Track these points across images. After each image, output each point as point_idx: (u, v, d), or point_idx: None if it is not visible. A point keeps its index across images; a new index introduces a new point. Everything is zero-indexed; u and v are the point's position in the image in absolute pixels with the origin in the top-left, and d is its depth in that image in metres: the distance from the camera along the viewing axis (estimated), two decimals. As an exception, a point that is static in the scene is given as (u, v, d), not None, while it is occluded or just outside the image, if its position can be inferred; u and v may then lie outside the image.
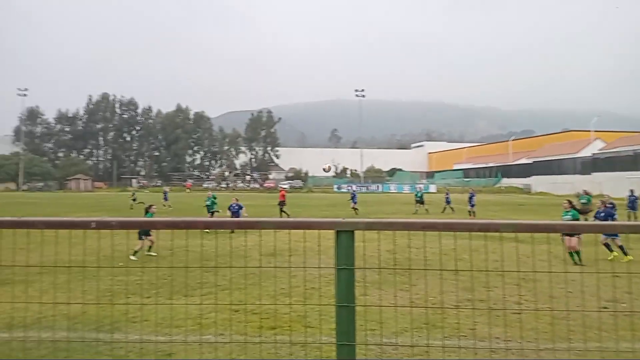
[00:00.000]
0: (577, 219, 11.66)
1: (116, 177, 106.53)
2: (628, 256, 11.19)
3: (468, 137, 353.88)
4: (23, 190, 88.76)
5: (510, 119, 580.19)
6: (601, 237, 11.22)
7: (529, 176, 78.99)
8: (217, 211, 20.77)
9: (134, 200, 35.23)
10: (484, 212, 29.62)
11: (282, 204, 25.71)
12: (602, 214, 12.57)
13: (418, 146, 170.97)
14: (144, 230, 11.47)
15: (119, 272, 9.13)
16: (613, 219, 12.38)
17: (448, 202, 30.25)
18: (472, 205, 26.56)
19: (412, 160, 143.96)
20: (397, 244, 12.58)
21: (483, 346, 5.11)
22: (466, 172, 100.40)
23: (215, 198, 21.28)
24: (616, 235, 10.92)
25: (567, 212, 12.09)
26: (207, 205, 20.72)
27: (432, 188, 69.65)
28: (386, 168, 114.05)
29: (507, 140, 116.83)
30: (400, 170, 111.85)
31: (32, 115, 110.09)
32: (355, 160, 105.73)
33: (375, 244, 10.97)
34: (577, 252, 11.06)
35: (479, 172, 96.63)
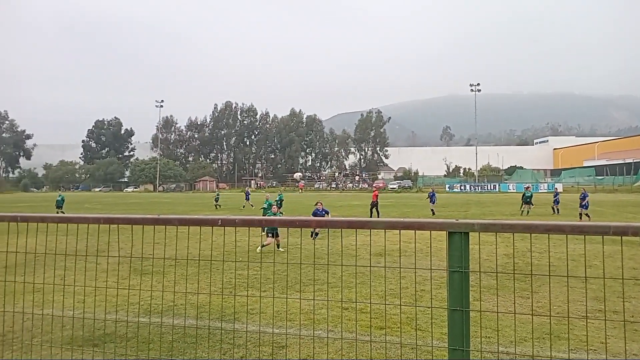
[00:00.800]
0: None
1: (237, 178, 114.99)
2: None
3: (601, 130, 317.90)
4: (159, 191, 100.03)
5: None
6: None
7: (677, 173, 68.41)
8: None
9: (216, 201, 36.99)
10: (619, 215, 26.31)
11: (374, 204, 25.37)
12: None
13: (541, 142, 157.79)
14: (271, 228, 11.81)
15: (240, 267, 9.84)
16: None
17: (556, 202, 27.76)
18: (585, 207, 23.21)
19: (534, 157, 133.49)
20: (516, 247, 11.82)
21: (618, 363, 4.57)
22: (599, 170, 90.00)
23: (269, 200, 19.07)
24: None
25: None
26: (263, 208, 18.31)
27: (560, 187, 63.45)
28: (504, 166, 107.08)
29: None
30: (520, 168, 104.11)
31: (167, 124, 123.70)
32: (470, 158, 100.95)
33: (492, 247, 10.45)
34: None
35: (614, 169, 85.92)
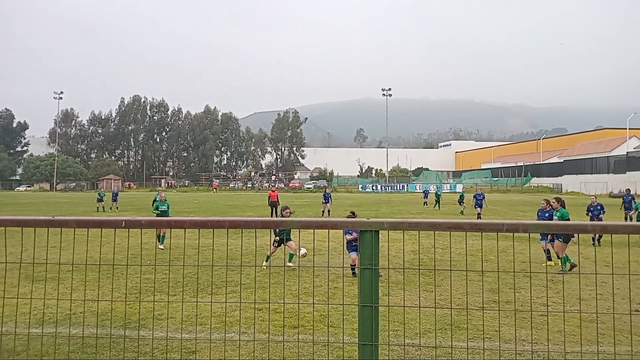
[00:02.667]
0: (568, 219, 10.44)
1: (146, 177, 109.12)
2: (550, 262, 10.69)
3: (497, 135, 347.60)
4: (57, 190, 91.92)
5: (541, 117, 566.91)
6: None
7: (560, 175, 77.02)
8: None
9: (100, 200, 32.23)
10: (511, 213, 29.03)
11: (273, 204, 24.42)
12: (547, 214, 11.45)
13: (445, 145, 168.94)
14: (281, 231, 10.03)
15: (146, 270, 9.35)
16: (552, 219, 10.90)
17: (438, 201, 33.05)
18: (479, 206, 25.14)
19: (438, 159, 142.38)
20: (422, 244, 12.47)
21: (508, 348, 5.01)
22: (494, 172, 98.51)
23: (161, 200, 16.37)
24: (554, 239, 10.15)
25: (556, 211, 10.96)
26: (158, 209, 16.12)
27: (459, 188, 68.65)
28: (412, 167, 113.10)
29: (538, 139, 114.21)
30: (426, 169, 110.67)
31: (67, 117, 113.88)
32: (381, 159, 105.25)
33: (400, 244, 10.92)
34: (566, 258, 9.92)
35: (507, 172, 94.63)
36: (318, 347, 5.04)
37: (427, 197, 37.10)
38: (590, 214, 14.69)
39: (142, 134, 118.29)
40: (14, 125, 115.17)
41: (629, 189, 22.17)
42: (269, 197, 25.34)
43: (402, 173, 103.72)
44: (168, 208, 14.82)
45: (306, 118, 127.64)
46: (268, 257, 10.23)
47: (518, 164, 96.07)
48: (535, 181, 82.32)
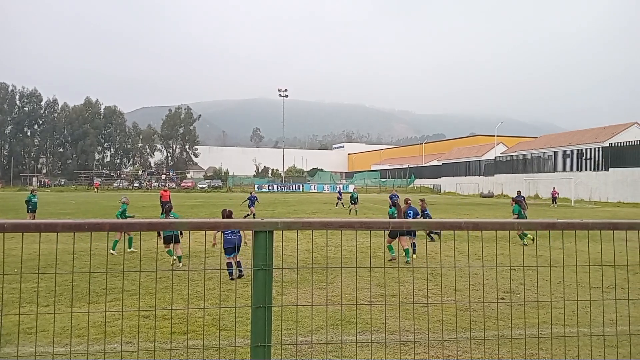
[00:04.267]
0: (394, 216, 12.53)
1: (14, 174, 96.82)
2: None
3: (386, 139, 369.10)
4: None
5: (424, 123, 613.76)
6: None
7: (439, 177, 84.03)
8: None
9: None
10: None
11: (164, 204, 24.03)
12: (410, 213, 12.91)
13: (339, 147, 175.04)
14: (169, 233, 9.70)
15: (12, 279, 8.31)
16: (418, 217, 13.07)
17: (339, 199, 34.80)
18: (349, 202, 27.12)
19: (332, 160, 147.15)
20: (316, 243, 12.77)
21: (393, 339, 5.32)
22: (383, 173, 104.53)
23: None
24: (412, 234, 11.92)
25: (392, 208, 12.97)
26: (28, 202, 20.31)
27: (351, 188, 71.72)
28: (307, 168, 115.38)
29: (420, 144, 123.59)
30: (321, 170, 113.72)
31: None
32: (277, 159, 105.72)
33: (294, 243, 11.02)
34: (408, 250, 11.51)
35: (394, 173, 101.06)
36: (210, 352, 4.88)
37: (341, 198, 36.52)
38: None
39: (9, 127, 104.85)
40: None
41: (519, 191, 24.87)
42: (161, 196, 24.21)
43: (298, 173, 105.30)
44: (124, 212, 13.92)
45: (200, 115, 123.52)
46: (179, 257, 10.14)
47: (403, 166, 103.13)
48: (418, 182, 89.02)
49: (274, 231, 2.59)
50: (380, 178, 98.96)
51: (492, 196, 61.70)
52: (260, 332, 2.57)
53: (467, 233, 2.79)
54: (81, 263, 9.96)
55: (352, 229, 2.84)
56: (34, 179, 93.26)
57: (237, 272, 8.52)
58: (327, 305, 5.44)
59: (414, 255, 11.92)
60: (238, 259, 8.54)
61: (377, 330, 5.72)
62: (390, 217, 13.21)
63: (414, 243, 12.17)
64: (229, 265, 8.54)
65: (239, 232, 8.36)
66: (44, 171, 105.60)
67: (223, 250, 8.32)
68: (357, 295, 7.54)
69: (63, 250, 11.01)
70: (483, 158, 78.59)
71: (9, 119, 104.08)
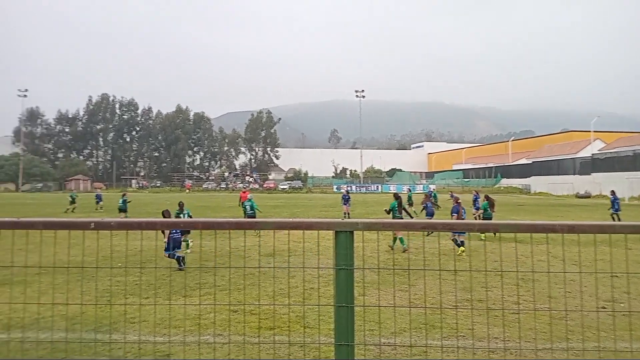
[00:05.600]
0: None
1: (116, 177, 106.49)
2: (462, 248, 12.07)
3: (468, 137, 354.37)
4: (22, 191, 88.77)
5: (509, 120, 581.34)
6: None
7: (528, 176, 79.00)
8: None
9: (73, 202, 31.50)
10: (483, 213, 29.55)
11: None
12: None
13: (418, 147, 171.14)
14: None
15: (117, 273, 9.13)
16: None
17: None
18: (477, 209, 25.20)
19: (411, 160, 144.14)
20: (396, 244, 12.60)
21: (481, 346, 5.11)
22: (466, 173, 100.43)
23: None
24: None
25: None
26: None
27: (432, 188, 69.89)
28: (386, 168, 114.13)
29: (507, 141, 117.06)
30: (399, 170, 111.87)
31: (32, 116, 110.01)
32: (355, 160, 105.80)
33: (375, 244, 10.95)
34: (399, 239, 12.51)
35: (478, 173, 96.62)
36: (295, 348, 5.02)
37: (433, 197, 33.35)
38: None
39: (111, 134, 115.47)
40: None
41: (613, 191, 23.01)
42: (240, 198, 25.50)
43: (376, 174, 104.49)
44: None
45: (280, 118, 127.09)
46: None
47: (488, 165, 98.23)
48: (505, 182, 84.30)
49: (354, 231, 2.61)
50: (463, 178, 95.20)
51: (589, 197, 56.81)
52: (344, 330, 2.60)
53: (561, 236, 2.61)
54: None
55: (434, 230, 2.78)
56: (133, 181, 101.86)
57: (178, 266, 10.32)
58: (410, 307, 5.36)
59: (462, 251, 12.06)
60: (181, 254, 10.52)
61: (464, 336, 5.52)
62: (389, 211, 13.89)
63: (462, 241, 12.38)
64: (172, 256, 10.48)
65: (179, 232, 10.59)
66: (142, 174, 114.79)
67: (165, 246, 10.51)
68: (442, 298, 7.33)
69: (160, 247, 11.92)
70: (578, 155, 72.63)
71: (110, 126, 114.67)
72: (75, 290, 7.62)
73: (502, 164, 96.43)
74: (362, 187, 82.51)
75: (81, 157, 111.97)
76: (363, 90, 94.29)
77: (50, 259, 8.26)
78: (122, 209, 24.49)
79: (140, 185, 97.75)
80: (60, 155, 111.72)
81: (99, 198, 34.00)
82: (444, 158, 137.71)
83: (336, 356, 2.56)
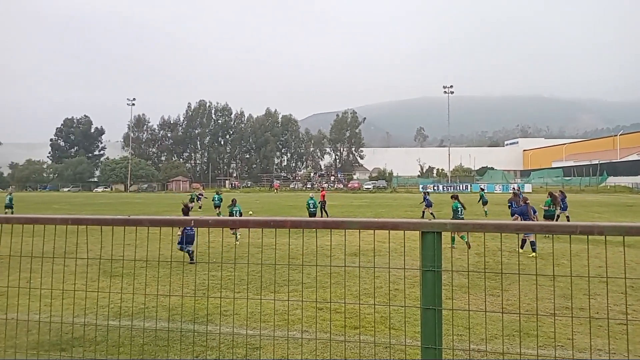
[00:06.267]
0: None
1: (211, 178, 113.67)
2: (534, 253, 11.33)
3: (569, 132, 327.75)
4: (131, 191, 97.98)
5: (618, 112, 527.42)
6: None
7: (638, 174, 71.18)
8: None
9: (198, 200, 33.71)
10: (586, 214, 27.21)
11: (322, 204, 26.10)
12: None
13: (512, 143, 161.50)
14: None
15: (213, 268, 9.73)
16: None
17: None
18: (564, 209, 22.40)
19: (504, 158, 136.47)
20: (487, 246, 12.01)
21: (582, 357, 4.72)
22: (566, 171, 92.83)
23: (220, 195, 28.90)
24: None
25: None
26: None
27: (528, 187, 65.63)
28: (476, 167, 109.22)
29: (615, 135, 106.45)
30: (491, 168, 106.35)
31: (139, 122, 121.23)
32: (442, 159, 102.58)
33: (464, 246, 10.58)
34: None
35: (581, 170, 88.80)
36: (380, 349, 5.01)
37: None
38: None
39: (207, 137, 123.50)
40: (92, 130, 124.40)
41: None
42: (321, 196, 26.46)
43: (465, 173, 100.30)
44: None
45: (364, 118, 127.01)
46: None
47: (592, 162, 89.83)
48: (612, 180, 76.63)
49: (442, 232, 2.55)
50: (563, 176, 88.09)
51: None
52: (431, 333, 2.55)
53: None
54: (265, 256, 11.15)
55: (531, 232, 2.63)
56: (226, 181, 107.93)
57: (189, 260, 10.71)
58: (502, 312, 5.10)
59: (534, 254, 11.36)
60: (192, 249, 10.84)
61: (562, 346, 5.14)
62: (454, 211, 13.98)
63: (533, 241, 11.74)
64: (185, 250, 10.84)
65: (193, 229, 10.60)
66: (234, 175, 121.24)
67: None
68: (538, 305, 6.87)
69: (251, 244, 12.53)
70: (702, 150, 63.95)
71: (207, 130, 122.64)
72: (176, 283, 8.26)
73: (608, 161, 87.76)
74: (450, 186, 79.64)
75: (181, 160, 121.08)
76: (452, 86, 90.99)
77: (154, 253, 9.03)
78: (217, 205, 27.73)
79: (233, 185, 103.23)
80: (162, 158, 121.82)
81: (198, 198, 36.17)
82: (542, 155, 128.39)
83: (422, 358, 2.52)
